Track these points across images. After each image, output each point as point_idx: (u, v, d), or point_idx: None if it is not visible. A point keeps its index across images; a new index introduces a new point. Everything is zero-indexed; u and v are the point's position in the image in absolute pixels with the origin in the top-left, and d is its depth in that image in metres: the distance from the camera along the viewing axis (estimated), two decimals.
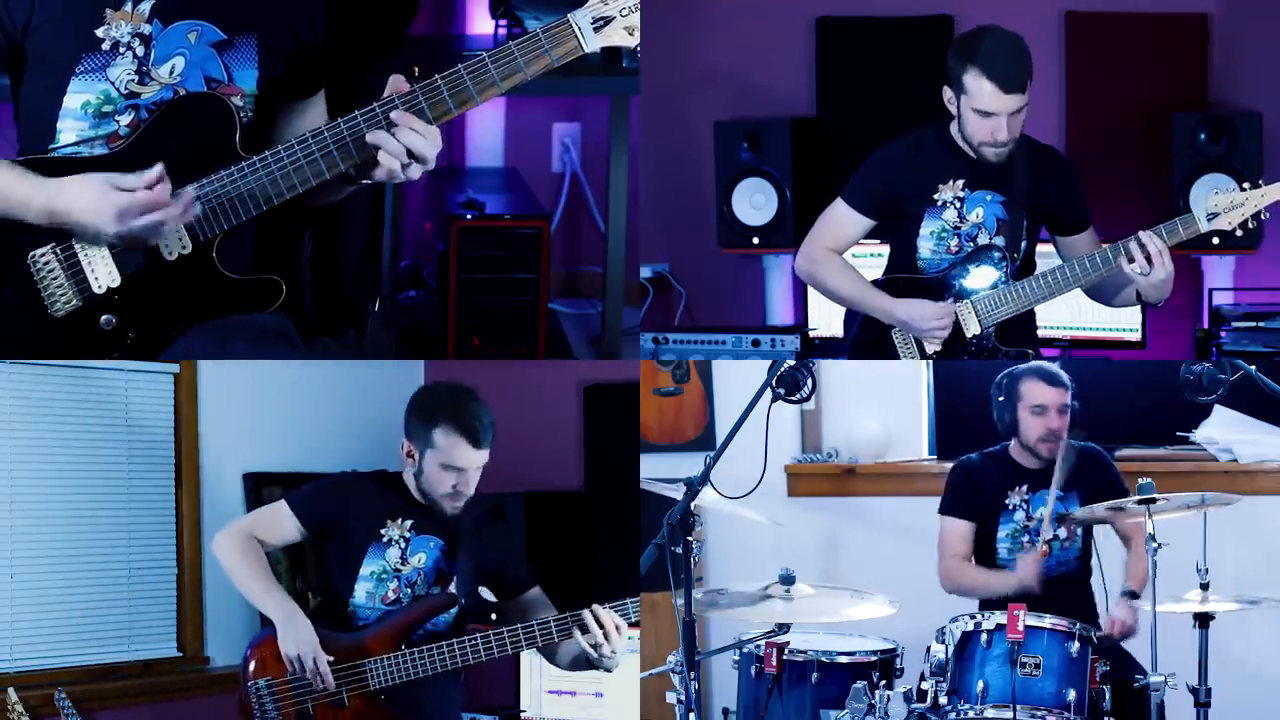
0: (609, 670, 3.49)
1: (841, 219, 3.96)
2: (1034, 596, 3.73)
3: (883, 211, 3.93)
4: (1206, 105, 5.10)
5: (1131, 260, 3.69)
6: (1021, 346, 3.91)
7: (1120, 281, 3.84)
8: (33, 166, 2.87)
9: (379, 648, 3.43)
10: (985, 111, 3.74)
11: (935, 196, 3.85)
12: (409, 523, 3.51)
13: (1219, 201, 3.70)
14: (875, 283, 3.95)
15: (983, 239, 3.86)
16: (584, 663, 3.48)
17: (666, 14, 5.15)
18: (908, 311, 3.86)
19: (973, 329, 3.84)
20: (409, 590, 3.50)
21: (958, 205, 3.85)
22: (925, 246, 3.88)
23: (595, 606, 3.42)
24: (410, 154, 2.87)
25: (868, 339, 3.96)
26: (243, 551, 3.49)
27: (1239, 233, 3.73)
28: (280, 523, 3.53)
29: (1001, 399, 3.96)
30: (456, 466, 3.46)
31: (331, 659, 3.38)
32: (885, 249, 4.04)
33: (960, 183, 3.84)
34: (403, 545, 3.50)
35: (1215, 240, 4.68)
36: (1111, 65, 5.26)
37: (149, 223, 2.81)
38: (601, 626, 3.40)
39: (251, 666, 3.45)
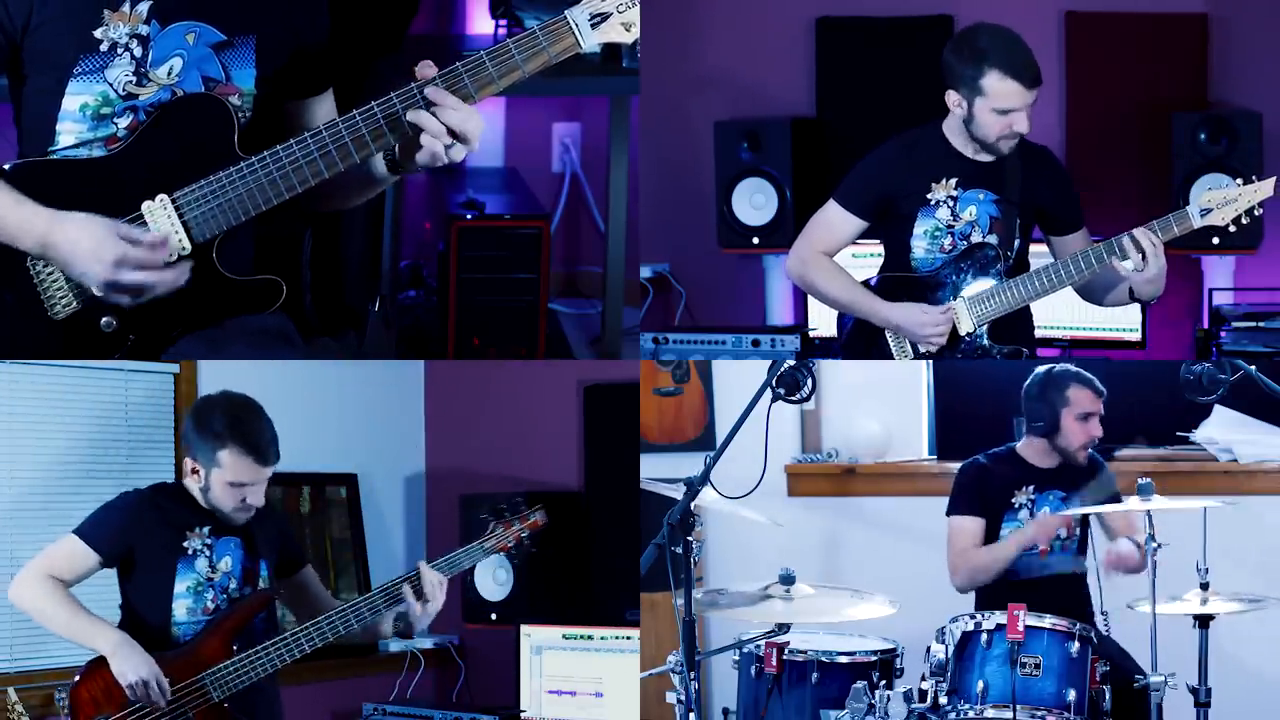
0: (409, 636, 3.58)
1: (834, 220, 3.96)
2: (1032, 594, 3.73)
3: (876, 212, 3.93)
4: (1206, 105, 5.10)
5: (1126, 256, 3.70)
6: (1016, 345, 3.91)
7: (1111, 280, 3.85)
8: (34, 170, 2.87)
9: (211, 657, 3.34)
10: (1006, 109, 3.74)
11: (928, 196, 3.86)
12: (207, 529, 3.42)
13: (1212, 197, 3.71)
14: (868, 282, 3.95)
15: (976, 237, 3.85)
16: (399, 631, 3.53)
17: (666, 14, 5.15)
18: (903, 316, 3.85)
19: (966, 327, 3.84)
20: (224, 596, 3.41)
21: (951, 204, 3.85)
22: (919, 246, 3.88)
23: (421, 564, 3.47)
24: (452, 133, 2.85)
25: (860, 338, 3.96)
26: (48, 593, 3.33)
27: (1233, 228, 3.73)
28: (75, 557, 3.37)
29: (1041, 399, 3.95)
30: (243, 483, 3.40)
31: (169, 684, 3.28)
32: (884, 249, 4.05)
33: (953, 182, 3.85)
34: (208, 553, 3.41)
35: (1215, 240, 4.69)
36: (1111, 65, 5.26)
37: (140, 280, 2.80)
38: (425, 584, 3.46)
39: (84, 708, 3.27)
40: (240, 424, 3.41)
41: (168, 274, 2.83)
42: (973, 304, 3.84)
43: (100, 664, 3.29)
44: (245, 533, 3.47)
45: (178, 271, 2.84)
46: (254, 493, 3.41)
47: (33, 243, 2.82)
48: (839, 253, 4.00)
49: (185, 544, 3.39)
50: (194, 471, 3.41)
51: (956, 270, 3.85)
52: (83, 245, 2.80)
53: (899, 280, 3.90)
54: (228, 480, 3.38)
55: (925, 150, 3.88)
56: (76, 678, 3.31)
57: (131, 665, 3.25)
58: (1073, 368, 3.98)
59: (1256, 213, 3.72)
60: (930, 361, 4.65)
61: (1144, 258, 3.68)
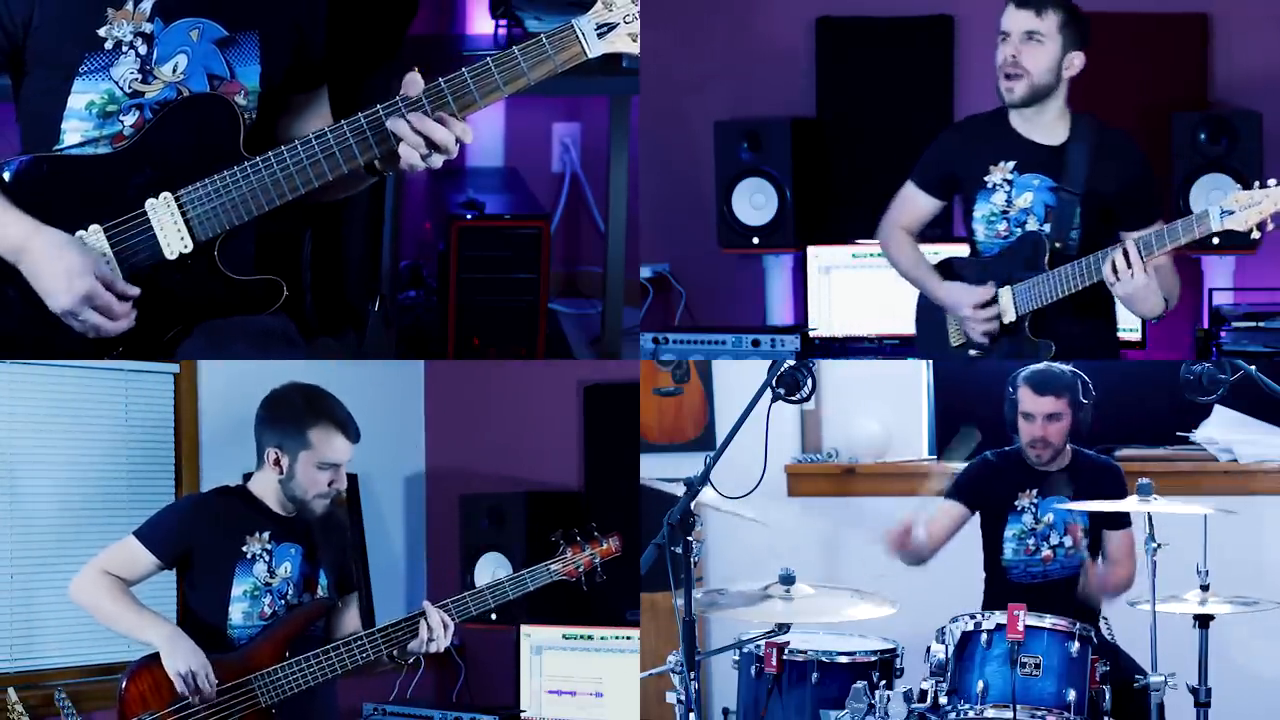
0: (404, 665, 3.56)
1: (908, 196, 3.98)
2: (1034, 595, 3.73)
3: (944, 190, 3.93)
4: (1206, 105, 5.10)
5: (1114, 270, 3.60)
6: (1047, 339, 3.82)
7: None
8: (38, 167, 2.87)
9: (262, 661, 3.36)
10: (1003, 33, 3.71)
11: (985, 179, 3.81)
12: (267, 534, 3.45)
13: (1238, 199, 3.52)
14: (939, 265, 3.95)
15: (1031, 225, 3.78)
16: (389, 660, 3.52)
17: (667, 13, 5.15)
18: (949, 296, 3.87)
19: (1009, 316, 3.81)
20: (282, 602, 3.44)
21: (1006, 188, 3.79)
22: (979, 229, 3.85)
23: (427, 604, 3.47)
24: (430, 144, 2.87)
25: (921, 323, 4.00)
26: (106, 590, 3.39)
27: (1255, 234, 3.55)
28: (134, 558, 3.42)
29: (1005, 399, 3.98)
30: (333, 463, 3.44)
31: (217, 682, 3.31)
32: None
33: (1010, 165, 3.78)
34: (267, 558, 3.44)
35: (1215, 240, 4.69)
36: (1111, 65, 5.25)
37: (97, 323, 2.82)
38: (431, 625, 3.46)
39: (131, 705, 3.32)
40: (320, 403, 3.47)
41: (119, 324, 2.85)
42: (1018, 293, 3.79)
43: (149, 662, 3.33)
44: (307, 540, 3.49)
45: (129, 321, 2.86)
46: (339, 476, 3.45)
47: (7, 248, 2.83)
48: (918, 229, 4.01)
49: (245, 548, 3.42)
50: (276, 462, 3.43)
51: (1008, 258, 3.81)
52: (56, 266, 2.81)
53: (958, 263, 3.91)
54: (318, 461, 3.42)
55: (987, 132, 3.83)
56: (124, 681, 3.33)
57: (182, 656, 3.29)
58: (1035, 367, 3.90)
59: (1268, 227, 3.54)
60: (930, 361, 4.66)
61: (1115, 273, 3.59)
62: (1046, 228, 3.77)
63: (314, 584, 3.50)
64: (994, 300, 3.80)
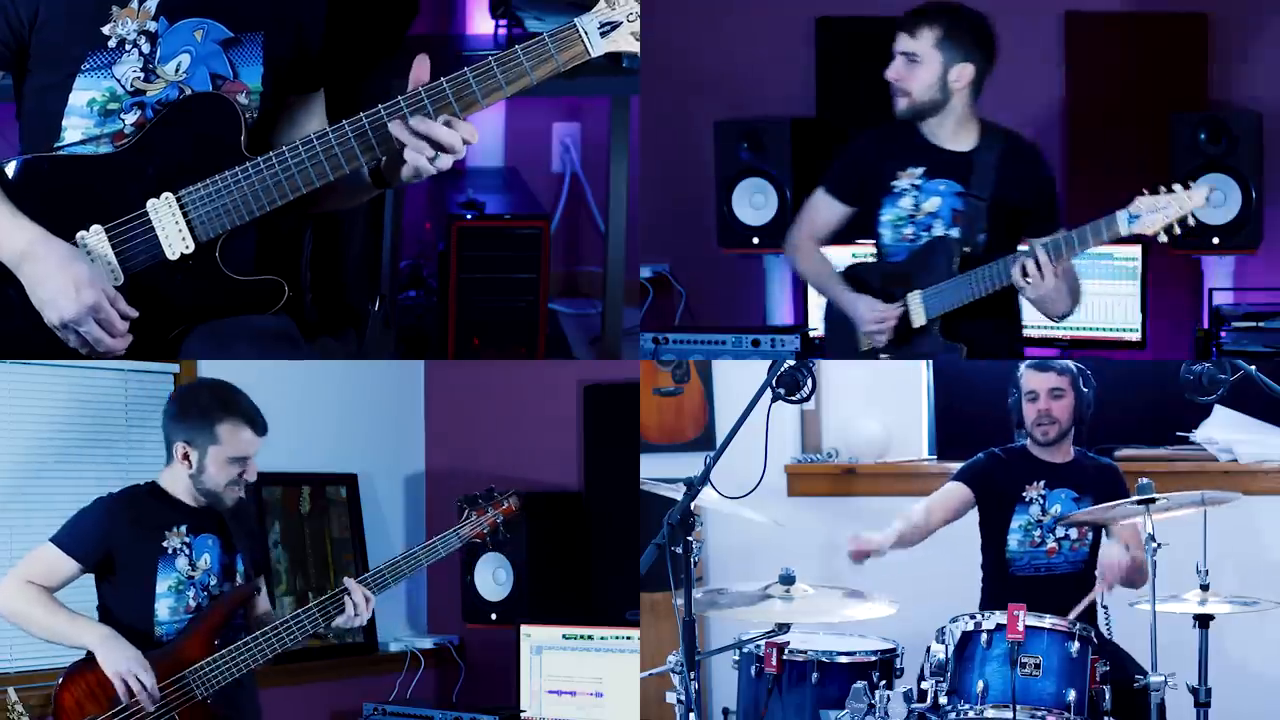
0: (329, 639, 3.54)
1: (819, 205, 4.02)
2: (1035, 593, 3.73)
3: (857, 197, 3.95)
4: (1206, 105, 5.10)
5: (1024, 274, 3.66)
6: (957, 342, 3.86)
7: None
8: (40, 166, 2.87)
9: (193, 655, 3.34)
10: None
11: (893, 184, 3.87)
12: (184, 527, 3.42)
13: (1142, 202, 3.53)
14: (845, 271, 3.99)
15: (938, 229, 3.84)
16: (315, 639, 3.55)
17: (666, 13, 5.15)
18: (852, 306, 3.91)
19: (918, 320, 3.84)
20: (205, 595, 3.42)
21: (914, 193, 3.85)
22: (886, 234, 3.91)
23: (349, 580, 3.49)
24: (435, 145, 2.86)
25: (833, 329, 4.02)
26: (32, 599, 3.31)
27: (1163, 238, 3.56)
28: (53, 564, 3.36)
29: (1010, 394, 4.02)
30: (243, 456, 3.41)
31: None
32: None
33: (918, 171, 3.85)
34: (188, 552, 3.41)
35: (1215, 240, 4.70)
36: (1111, 65, 5.26)
37: (98, 336, 2.85)
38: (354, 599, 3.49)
39: (69, 713, 3.27)
40: (229, 399, 3.44)
41: (119, 341, 2.88)
42: (926, 298, 3.83)
43: (83, 667, 3.29)
44: (221, 529, 3.47)
45: (127, 341, 2.89)
46: (249, 468, 3.43)
47: (11, 254, 2.84)
48: (827, 237, 4.03)
49: (165, 544, 3.39)
50: (185, 457, 3.41)
51: (914, 262, 3.85)
52: (64, 277, 2.82)
53: (865, 268, 3.95)
54: (228, 455, 3.39)
55: (896, 139, 3.89)
56: (59, 681, 3.30)
57: (118, 657, 3.25)
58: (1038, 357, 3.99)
59: (1190, 223, 3.56)
60: (930, 361, 4.66)
61: (1025, 275, 3.65)
62: (954, 232, 3.82)
63: (232, 572, 3.48)
64: (902, 311, 3.84)
